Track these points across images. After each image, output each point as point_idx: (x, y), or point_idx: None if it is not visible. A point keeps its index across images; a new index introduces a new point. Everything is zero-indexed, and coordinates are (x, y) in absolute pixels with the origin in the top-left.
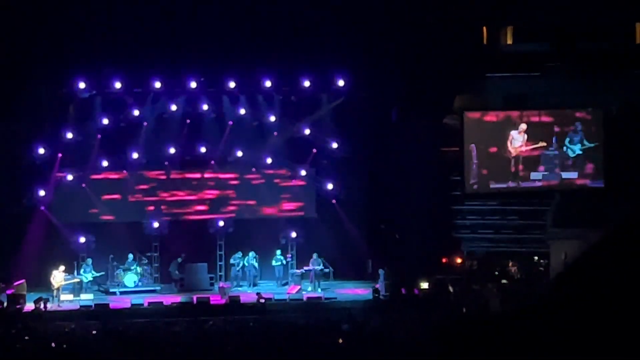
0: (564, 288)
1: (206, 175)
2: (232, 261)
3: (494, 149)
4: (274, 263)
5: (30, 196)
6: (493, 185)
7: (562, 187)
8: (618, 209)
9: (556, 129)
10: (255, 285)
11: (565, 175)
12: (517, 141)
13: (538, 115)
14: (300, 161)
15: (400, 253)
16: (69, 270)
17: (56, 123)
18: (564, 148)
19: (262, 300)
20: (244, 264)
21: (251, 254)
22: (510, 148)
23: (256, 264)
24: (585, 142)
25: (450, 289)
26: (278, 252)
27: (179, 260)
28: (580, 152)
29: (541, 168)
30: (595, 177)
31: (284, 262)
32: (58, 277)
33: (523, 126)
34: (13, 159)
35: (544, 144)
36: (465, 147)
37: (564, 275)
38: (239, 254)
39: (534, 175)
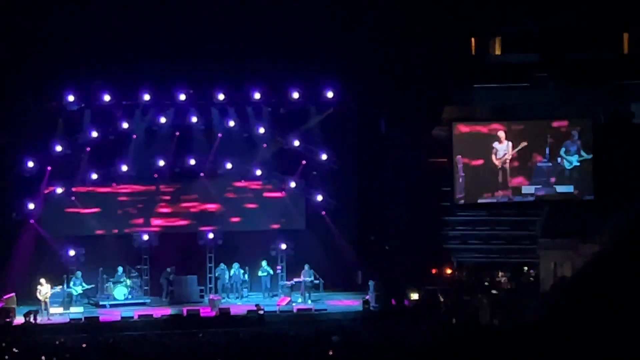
0: (560, 301)
1: (195, 187)
2: (217, 274)
3: (480, 161)
4: (260, 274)
5: (20, 209)
6: (481, 201)
7: (551, 198)
8: (607, 220)
9: (550, 139)
10: (242, 297)
11: (561, 189)
12: (501, 151)
13: (525, 125)
14: (290, 173)
15: (390, 264)
16: (56, 283)
17: (45, 136)
18: (558, 159)
19: (261, 312)
20: (229, 276)
21: (235, 265)
22: (495, 161)
23: (244, 276)
24: (583, 153)
25: (441, 299)
26: (264, 263)
27: (169, 270)
28: (578, 164)
29: (535, 181)
30: (585, 188)
31: (271, 272)
32: (43, 290)
33: (501, 134)
34: (2, 172)
35: (525, 143)
36: (454, 158)
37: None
38: (222, 266)
39: (526, 189)
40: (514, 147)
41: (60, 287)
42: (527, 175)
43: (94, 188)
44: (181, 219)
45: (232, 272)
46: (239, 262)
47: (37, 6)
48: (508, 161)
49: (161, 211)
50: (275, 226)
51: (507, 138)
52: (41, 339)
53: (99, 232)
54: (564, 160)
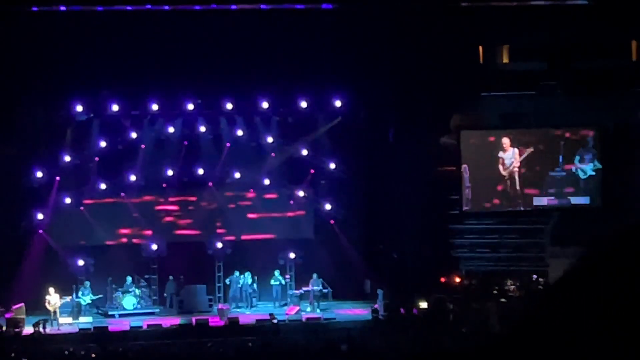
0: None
1: (204, 197)
2: (227, 281)
3: (489, 171)
4: (272, 282)
5: (29, 220)
6: (490, 209)
7: (560, 206)
8: (616, 228)
9: (562, 148)
10: (252, 306)
11: (575, 200)
12: (507, 160)
13: (533, 134)
14: (298, 182)
15: (398, 273)
16: (66, 293)
17: (54, 146)
18: (573, 168)
19: (275, 321)
20: (241, 285)
21: (247, 274)
22: (502, 171)
23: (254, 285)
24: (596, 163)
25: (450, 307)
26: (277, 272)
27: (171, 277)
28: (593, 174)
29: (547, 192)
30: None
31: (283, 282)
32: (52, 300)
33: (506, 141)
34: (11, 182)
35: (531, 149)
36: (462, 166)
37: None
38: (236, 273)
39: (537, 200)
40: (520, 155)
41: (70, 297)
42: (539, 186)
43: (103, 198)
44: (189, 228)
45: (242, 281)
46: (247, 271)
47: (45, 17)
48: (516, 169)
49: (169, 221)
50: (284, 235)
51: (512, 145)
52: (50, 349)
53: (108, 242)
54: (579, 170)
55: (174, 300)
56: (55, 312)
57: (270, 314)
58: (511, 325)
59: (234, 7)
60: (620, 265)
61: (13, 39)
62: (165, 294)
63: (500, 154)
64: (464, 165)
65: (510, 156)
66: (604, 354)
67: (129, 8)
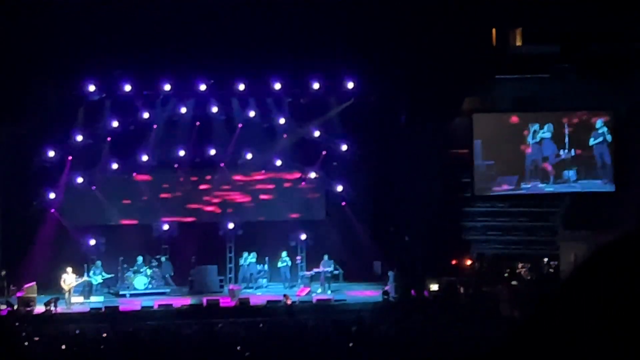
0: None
1: (216, 178)
2: (241, 262)
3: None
4: (279, 264)
5: (41, 199)
6: (499, 192)
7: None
8: (629, 212)
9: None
10: (258, 287)
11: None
12: (548, 148)
13: (546, 116)
14: (310, 163)
15: (409, 255)
16: (78, 272)
17: (66, 126)
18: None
19: (289, 302)
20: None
21: (252, 254)
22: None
23: (264, 265)
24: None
25: (460, 290)
26: (284, 253)
27: (163, 259)
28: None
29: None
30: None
31: (289, 263)
32: (68, 279)
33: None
34: (23, 161)
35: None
36: (474, 149)
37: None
38: (245, 255)
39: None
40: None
41: (83, 277)
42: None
43: (115, 177)
44: (201, 208)
45: (244, 260)
46: (258, 252)
47: None
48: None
49: (181, 201)
50: (295, 216)
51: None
52: (61, 328)
53: (119, 221)
54: (594, 151)
55: (169, 282)
56: (69, 292)
57: (285, 295)
58: (517, 326)
59: None
60: (621, 266)
61: (25, 19)
62: (164, 275)
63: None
64: (477, 141)
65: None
66: (604, 355)
67: None
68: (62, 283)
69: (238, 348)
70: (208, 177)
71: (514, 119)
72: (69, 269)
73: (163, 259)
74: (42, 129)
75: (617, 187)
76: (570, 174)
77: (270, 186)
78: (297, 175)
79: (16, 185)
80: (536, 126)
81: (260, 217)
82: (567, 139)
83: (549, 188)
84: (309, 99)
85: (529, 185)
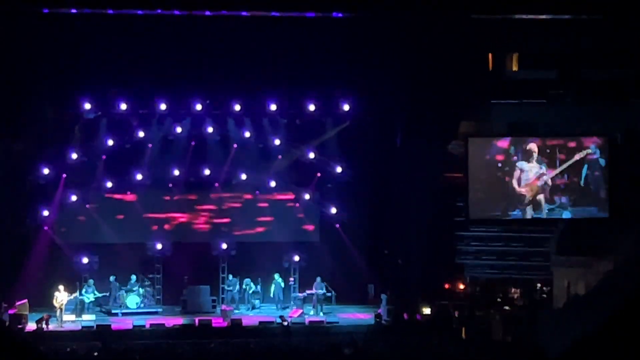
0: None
1: (210, 198)
2: (227, 287)
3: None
4: (272, 287)
5: (34, 216)
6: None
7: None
8: (623, 238)
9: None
10: (254, 307)
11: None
12: (530, 172)
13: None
14: (304, 185)
15: (403, 278)
16: (70, 290)
17: (61, 143)
18: (582, 180)
19: (286, 323)
20: (239, 289)
21: (246, 280)
22: (517, 185)
23: (257, 287)
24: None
25: (453, 314)
26: (276, 275)
27: (112, 279)
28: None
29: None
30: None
31: (282, 284)
32: (60, 297)
33: (533, 146)
34: (17, 178)
35: (590, 149)
36: (469, 173)
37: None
38: (231, 279)
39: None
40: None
41: (75, 295)
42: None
43: (109, 196)
44: (195, 228)
45: (243, 286)
46: (251, 273)
47: (56, 19)
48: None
49: (175, 221)
50: (289, 238)
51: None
52: (53, 346)
53: (112, 240)
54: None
55: (111, 301)
56: (61, 309)
57: (281, 316)
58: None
59: (244, 13)
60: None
61: (24, 39)
62: (107, 294)
63: (521, 164)
64: (471, 173)
65: (535, 170)
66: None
67: (139, 12)
68: (54, 301)
69: None
70: (202, 197)
71: (504, 143)
72: (61, 287)
73: (112, 278)
74: (37, 146)
75: (611, 213)
76: (563, 200)
77: (264, 206)
78: (292, 196)
79: (10, 201)
80: (523, 164)
81: (254, 238)
82: (559, 164)
83: (539, 215)
84: (304, 120)
85: (516, 212)
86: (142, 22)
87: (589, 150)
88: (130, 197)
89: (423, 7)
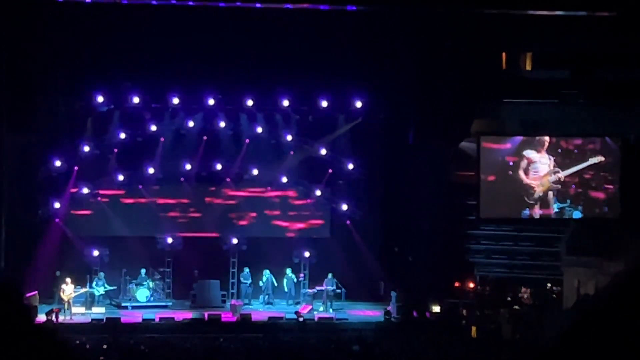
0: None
1: (221, 192)
2: (242, 279)
3: (509, 178)
4: (285, 282)
5: (46, 208)
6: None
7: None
8: (634, 239)
9: (572, 155)
10: (269, 303)
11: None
12: (543, 165)
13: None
14: (316, 181)
15: (413, 276)
16: (81, 283)
17: (73, 136)
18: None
19: (301, 319)
20: (267, 280)
21: (266, 272)
22: (524, 176)
23: (274, 282)
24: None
25: (463, 313)
26: (288, 270)
27: (101, 274)
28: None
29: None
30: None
31: (295, 280)
32: (67, 290)
33: (544, 138)
34: (29, 170)
35: (601, 158)
36: (481, 171)
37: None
38: (246, 270)
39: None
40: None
41: (83, 288)
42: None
43: (121, 189)
44: (206, 222)
45: (264, 278)
46: (262, 268)
47: (70, 9)
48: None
49: (186, 215)
50: (300, 234)
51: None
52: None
53: (123, 233)
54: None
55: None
56: (69, 302)
57: (297, 312)
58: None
59: (258, 5)
60: None
61: (37, 29)
62: (95, 292)
63: (529, 153)
64: (482, 174)
65: (546, 165)
66: None
67: (154, 2)
68: (61, 293)
69: None
70: (213, 191)
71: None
72: (68, 280)
73: (101, 273)
74: (49, 139)
75: (623, 214)
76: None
77: (276, 202)
78: (303, 192)
79: (22, 193)
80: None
81: (265, 233)
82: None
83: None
84: (317, 116)
85: (527, 211)
86: (155, 14)
87: (602, 158)
88: (143, 189)
89: (436, 2)
